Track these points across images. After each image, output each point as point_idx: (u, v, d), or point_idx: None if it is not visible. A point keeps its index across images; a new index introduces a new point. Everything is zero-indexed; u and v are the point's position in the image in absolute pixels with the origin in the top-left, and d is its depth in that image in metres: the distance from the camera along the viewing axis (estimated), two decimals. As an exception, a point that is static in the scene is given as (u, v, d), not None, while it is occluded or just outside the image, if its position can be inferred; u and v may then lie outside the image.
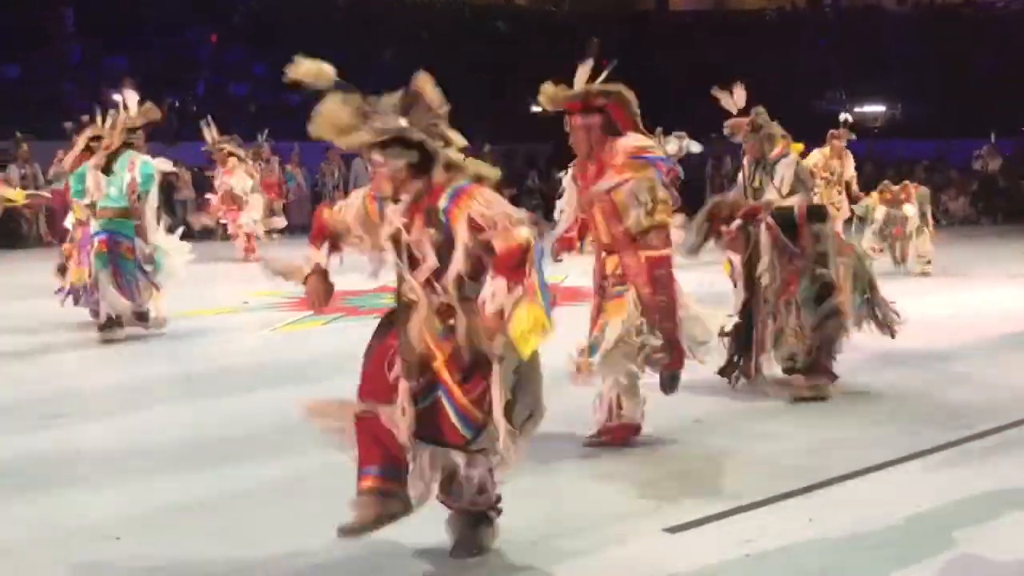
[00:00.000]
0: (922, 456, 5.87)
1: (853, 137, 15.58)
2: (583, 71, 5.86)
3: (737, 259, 7.55)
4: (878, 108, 28.71)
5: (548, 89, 5.87)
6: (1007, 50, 26.96)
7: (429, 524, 4.84)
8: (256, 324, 10.35)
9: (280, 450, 5.99)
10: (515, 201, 27.70)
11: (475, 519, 4.50)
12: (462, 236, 4.11)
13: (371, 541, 4.64)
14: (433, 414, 4.23)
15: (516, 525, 4.81)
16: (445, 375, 4.21)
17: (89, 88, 23.11)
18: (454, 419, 4.20)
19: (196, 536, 4.76)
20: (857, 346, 8.90)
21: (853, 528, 4.77)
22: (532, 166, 25.60)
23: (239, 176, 16.32)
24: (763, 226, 7.25)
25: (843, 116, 15.92)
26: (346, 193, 22.00)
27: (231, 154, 16.47)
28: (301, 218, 21.13)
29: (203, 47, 26.19)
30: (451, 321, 4.22)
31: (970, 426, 6.44)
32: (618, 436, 6.02)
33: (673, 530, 4.77)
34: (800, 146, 8.55)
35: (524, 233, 4.06)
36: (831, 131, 15.42)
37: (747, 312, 7.42)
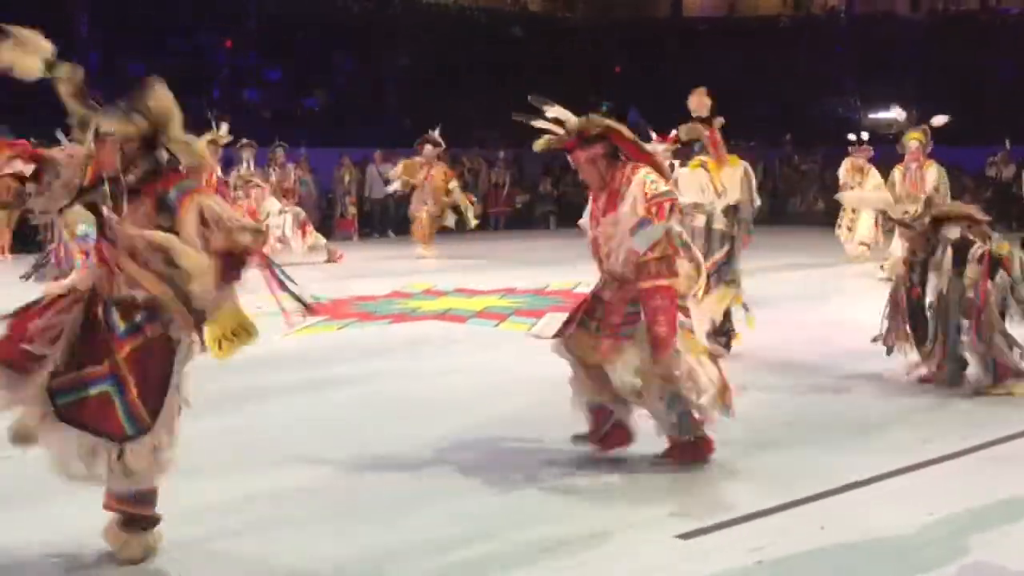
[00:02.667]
0: (934, 464, 5.86)
1: (871, 152, 15.78)
2: (563, 112, 5.77)
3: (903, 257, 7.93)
4: (893, 114, 28.64)
5: (541, 141, 5.83)
6: (1022, 57, 26.87)
7: (442, 520, 4.86)
8: (268, 329, 10.34)
9: (294, 455, 6.01)
10: (529, 206, 27.56)
11: (126, 523, 4.48)
12: (192, 222, 4.22)
13: (381, 543, 4.66)
14: (98, 404, 4.29)
15: (528, 533, 4.82)
16: (124, 371, 4.29)
17: (106, 94, 23.25)
18: (121, 414, 4.29)
19: (208, 540, 4.77)
20: (868, 354, 8.90)
21: (865, 536, 4.76)
22: (546, 172, 25.65)
23: (269, 202, 16.34)
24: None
25: (861, 135, 16.07)
26: (358, 199, 22.11)
27: (256, 186, 16.47)
28: (311, 223, 21.19)
29: (218, 53, 26.28)
30: (137, 318, 4.32)
31: (983, 434, 6.42)
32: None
33: (685, 537, 4.76)
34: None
35: (246, 238, 4.24)
36: (849, 147, 15.70)
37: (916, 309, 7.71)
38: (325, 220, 22.34)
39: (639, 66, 30.47)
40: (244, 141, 18.27)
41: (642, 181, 5.61)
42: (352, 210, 21.84)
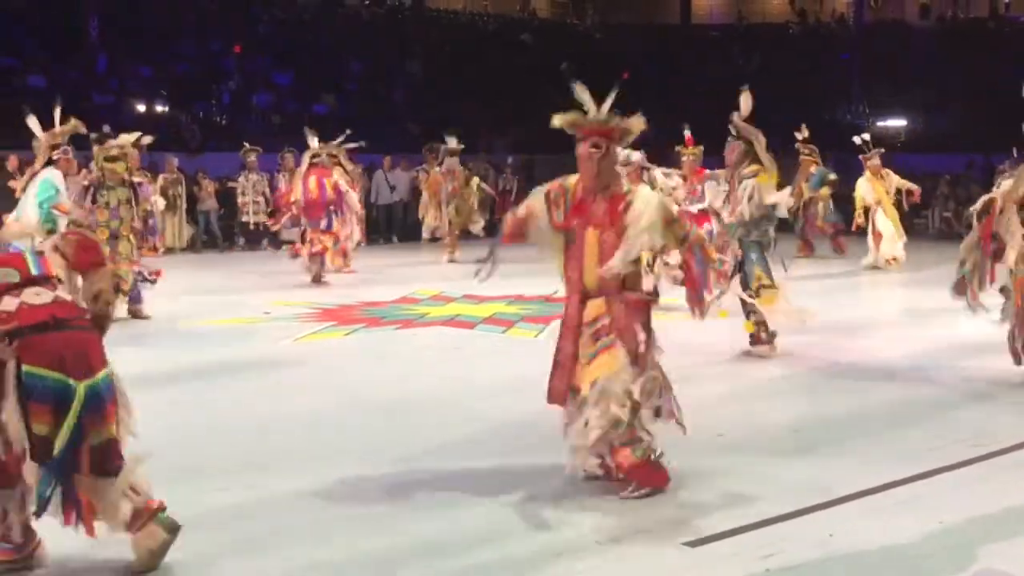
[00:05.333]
0: (944, 472, 5.83)
1: (882, 150, 15.98)
2: (606, 104, 5.59)
3: None
4: (900, 122, 28.62)
5: (564, 117, 5.61)
6: (1031, 64, 26.86)
7: (446, 526, 4.86)
8: (277, 335, 10.38)
9: (299, 460, 6.01)
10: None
11: None
12: None
13: (389, 548, 4.66)
14: None
15: (535, 539, 4.82)
16: None
17: (115, 98, 23.31)
18: None
19: (216, 544, 4.77)
20: (879, 361, 8.89)
21: (874, 544, 4.74)
22: (555, 178, 25.52)
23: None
24: None
25: (858, 138, 16.22)
26: (364, 203, 22.21)
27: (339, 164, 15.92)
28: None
29: (227, 57, 26.33)
30: None
31: (993, 442, 6.39)
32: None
33: (693, 544, 4.75)
34: (764, 178, 8.80)
35: None
36: (861, 156, 15.87)
37: None
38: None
39: (648, 72, 30.49)
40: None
41: (663, 202, 5.57)
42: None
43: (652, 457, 5.45)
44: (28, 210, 10.28)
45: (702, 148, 12.30)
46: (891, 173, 16.19)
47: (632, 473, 5.40)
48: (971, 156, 23.92)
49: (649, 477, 5.42)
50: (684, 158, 12.35)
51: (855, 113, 28.56)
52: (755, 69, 27.89)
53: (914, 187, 16.18)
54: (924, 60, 28.86)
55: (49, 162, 10.59)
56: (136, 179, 11.40)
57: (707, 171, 11.57)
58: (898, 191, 16.11)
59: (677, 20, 35.03)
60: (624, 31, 32.72)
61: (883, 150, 16.46)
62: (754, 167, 8.95)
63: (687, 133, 12.36)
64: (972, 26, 31.25)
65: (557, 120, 5.60)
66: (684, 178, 12.26)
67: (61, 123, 10.71)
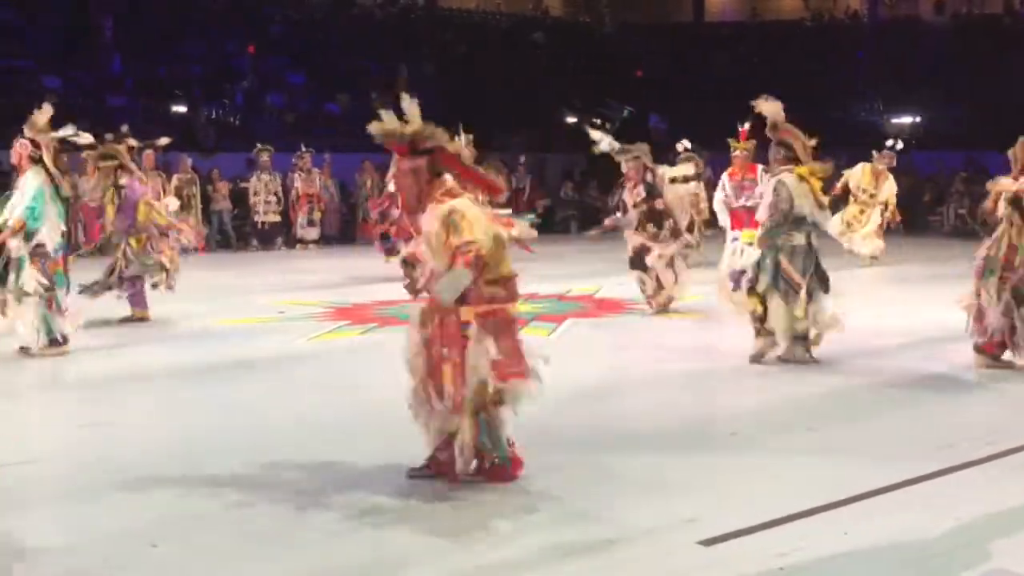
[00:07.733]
0: (958, 470, 5.82)
1: (893, 163, 15.89)
2: (413, 109, 5.43)
3: None
4: (915, 119, 28.51)
5: (380, 125, 5.42)
6: (1047, 61, 26.72)
7: (458, 523, 4.86)
8: (292, 334, 10.39)
9: (314, 458, 6.02)
10: (551, 211, 27.78)
11: None
12: None
13: (399, 547, 4.66)
14: None
15: (547, 538, 4.82)
16: None
17: (129, 99, 23.38)
18: None
19: (232, 545, 4.78)
20: (892, 359, 8.87)
21: (888, 542, 4.73)
22: (567, 177, 25.63)
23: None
24: None
25: (892, 143, 16.15)
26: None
27: None
28: (333, 228, 21.24)
29: (241, 57, 26.39)
30: None
31: (1007, 440, 6.37)
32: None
33: (707, 543, 4.75)
34: (804, 170, 8.54)
35: None
36: (874, 152, 15.78)
37: None
38: (347, 225, 22.36)
39: (661, 70, 30.44)
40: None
41: (445, 217, 5.23)
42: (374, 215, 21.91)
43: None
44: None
45: (755, 143, 11.72)
46: (890, 180, 16.17)
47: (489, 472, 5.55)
48: (986, 152, 23.74)
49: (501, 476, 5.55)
50: (735, 152, 12.14)
51: (869, 110, 28.47)
52: (768, 67, 27.79)
53: (892, 212, 16.21)
54: (939, 57, 28.73)
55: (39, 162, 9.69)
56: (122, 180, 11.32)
57: (760, 166, 11.30)
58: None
59: (690, 18, 34.98)
60: (636, 29, 32.67)
61: (895, 157, 16.35)
62: (787, 168, 8.59)
63: (742, 127, 11.95)
64: (987, 22, 31.08)
65: (374, 128, 5.42)
66: (732, 174, 12.16)
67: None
